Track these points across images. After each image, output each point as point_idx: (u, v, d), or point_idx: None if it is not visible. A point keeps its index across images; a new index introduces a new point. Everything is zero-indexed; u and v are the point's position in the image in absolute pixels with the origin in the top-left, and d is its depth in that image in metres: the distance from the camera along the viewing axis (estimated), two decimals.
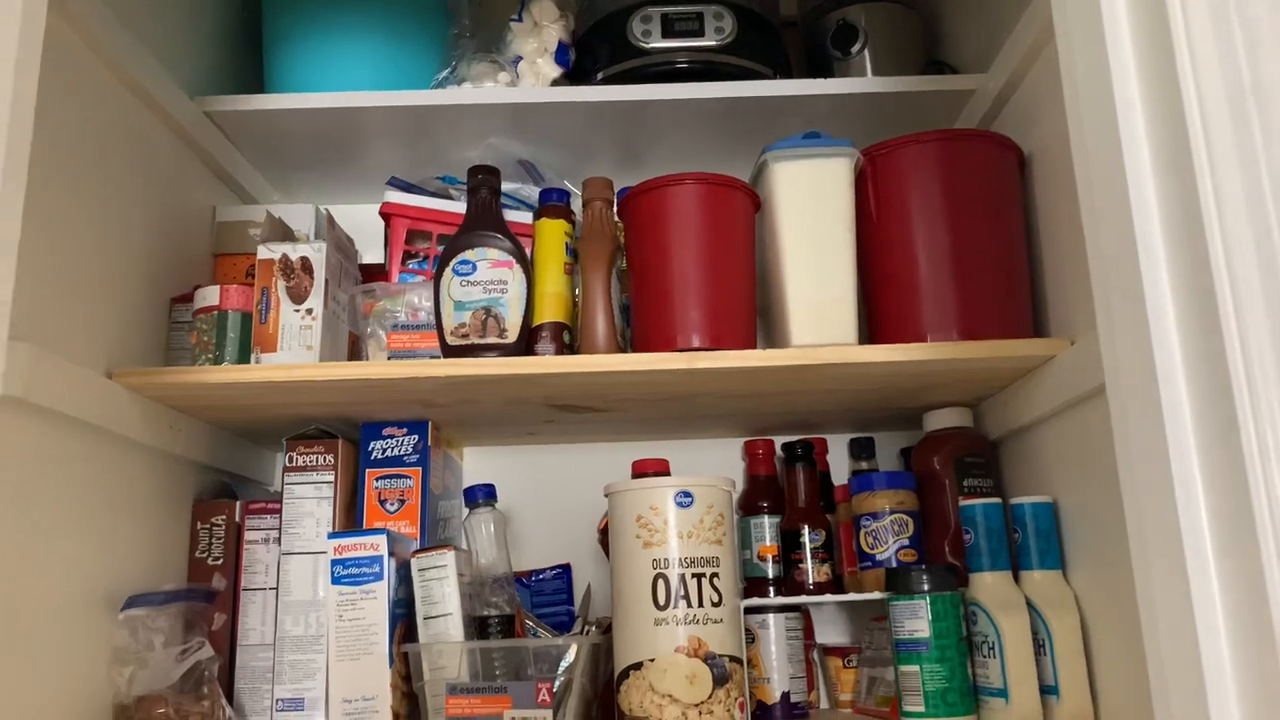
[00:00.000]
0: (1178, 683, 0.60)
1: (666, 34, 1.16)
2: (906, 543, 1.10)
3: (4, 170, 0.68)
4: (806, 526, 1.20)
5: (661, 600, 0.94)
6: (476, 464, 1.37)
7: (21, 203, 0.71)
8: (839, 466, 1.33)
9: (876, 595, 1.09)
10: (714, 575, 0.96)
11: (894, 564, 1.09)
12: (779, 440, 1.30)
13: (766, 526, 1.23)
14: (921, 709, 0.97)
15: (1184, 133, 0.60)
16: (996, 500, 1.03)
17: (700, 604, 0.94)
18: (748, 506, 1.25)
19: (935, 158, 1.03)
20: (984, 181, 1.03)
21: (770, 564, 1.21)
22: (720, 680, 0.93)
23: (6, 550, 0.79)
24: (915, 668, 0.98)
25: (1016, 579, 1.01)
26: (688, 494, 0.97)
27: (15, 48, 0.68)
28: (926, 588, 0.99)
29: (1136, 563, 0.66)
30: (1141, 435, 0.64)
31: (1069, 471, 1.00)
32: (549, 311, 1.05)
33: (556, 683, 0.96)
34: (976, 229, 1.02)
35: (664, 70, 1.18)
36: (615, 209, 1.10)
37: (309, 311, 1.02)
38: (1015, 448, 1.13)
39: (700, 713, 0.92)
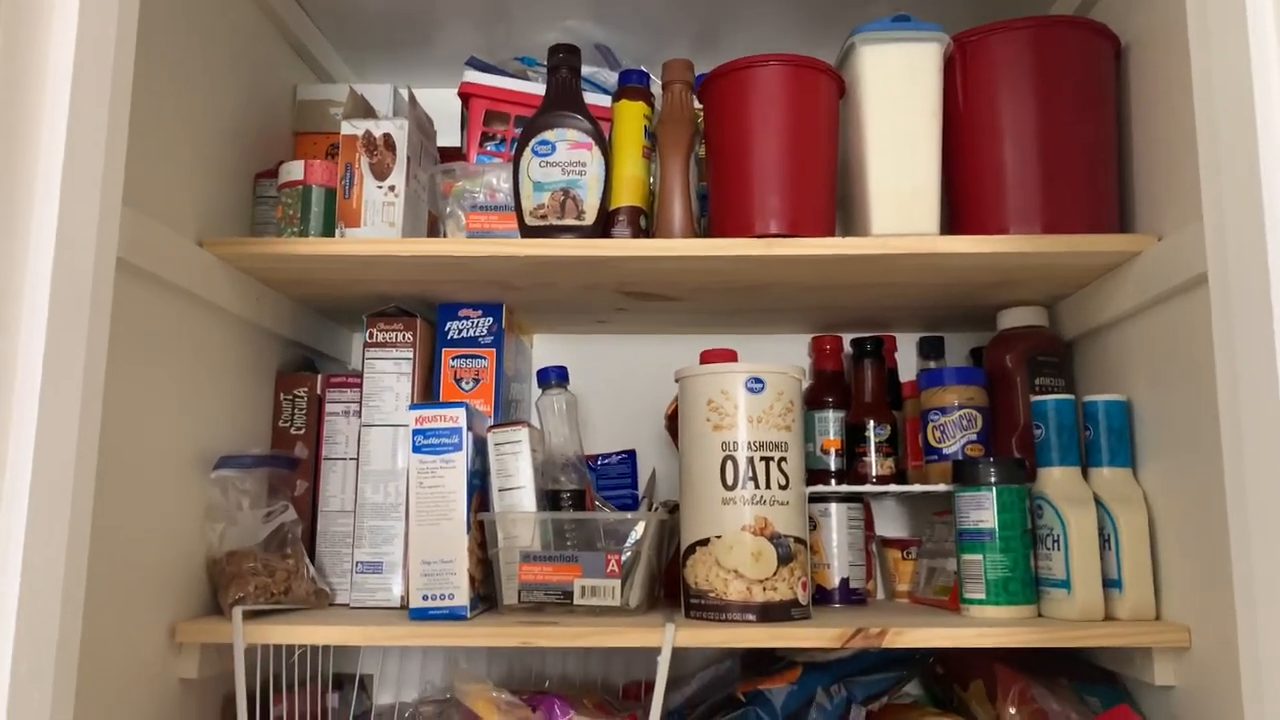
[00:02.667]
0: (1266, 585, 0.60)
1: None
2: (974, 438, 1.10)
3: (115, 50, 0.70)
4: (872, 421, 1.21)
5: (730, 481, 0.97)
6: (546, 351, 1.39)
7: (131, 72, 0.73)
8: (907, 366, 1.33)
9: (942, 487, 1.10)
10: (782, 459, 0.97)
11: (960, 458, 1.10)
12: (847, 337, 1.30)
13: (831, 420, 1.24)
14: (982, 596, 0.98)
15: None
16: (1069, 397, 1.03)
17: (768, 486, 0.96)
18: (813, 400, 1.26)
19: (1028, 45, 1.00)
20: (1077, 71, 1.00)
21: (833, 457, 1.22)
22: (785, 559, 0.96)
23: (114, 407, 0.83)
24: (978, 556, 0.99)
25: (1085, 476, 1.01)
26: (759, 380, 0.98)
27: None
28: (994, 479, 1.00)
29: (1229, 457, 0.66)
30: (1246, 324, 0.63)
31: (1145, 371, 0.99)
32: (626, 195, 1.06)
33: (625, 555, 0.99)
34: (1066, 120, 0.99)
35: None
36: (695, 93, 1.09)
37: (391, 188, 1.03)
38: (1090, 348, 1.12)
39: (764, 588, 0.95)
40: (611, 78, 1.20)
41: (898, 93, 0.99)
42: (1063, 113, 0.99)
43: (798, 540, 0.97)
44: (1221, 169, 0.66)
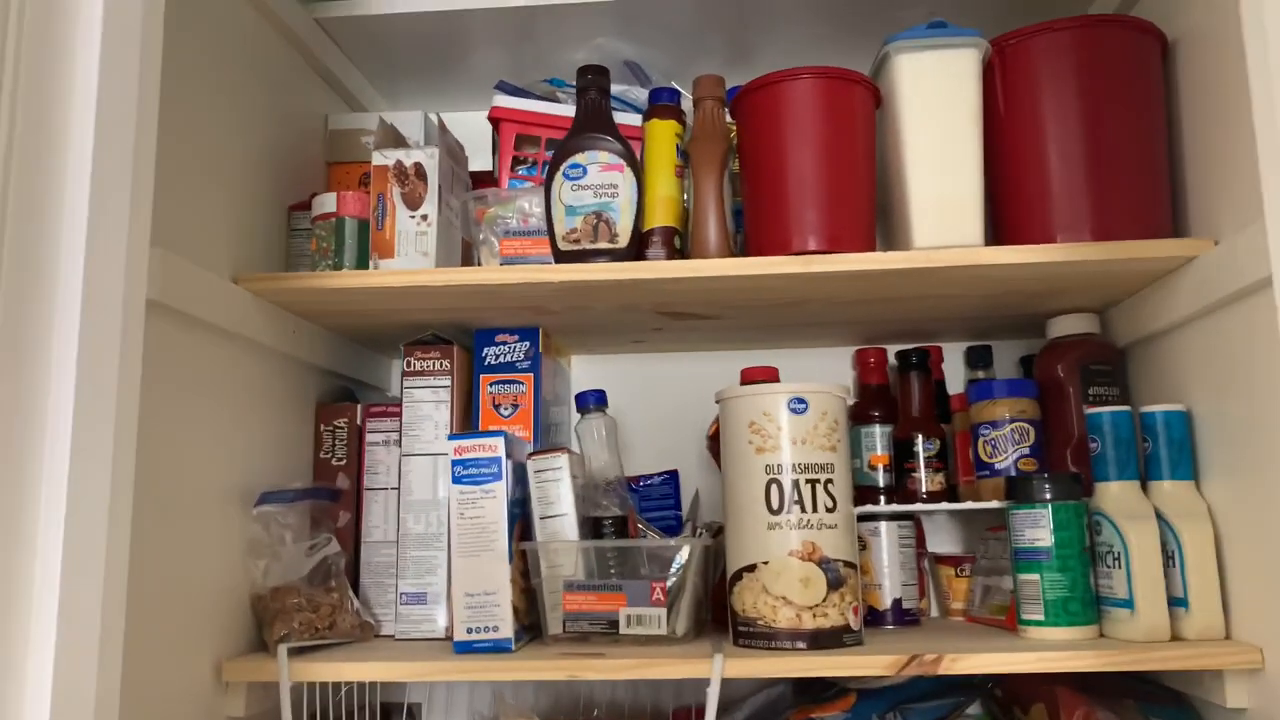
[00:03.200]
0: None
1: None
2: (1027, 452, 1.07)
3: (140, 91, 0.69)
4: (920, 435, 1.18)
5: (775, 505, 0.94)
6: (584, 372, 1.38)
7: (157, 106, 0.72)
8: (954, 376, 1.30)
9: (995, 504, 1.06)
10: (828, 481, 0.95)
11: (1014, 473, 1.07)
12: (891, 349, 1.27)
13: (878, 435, 1.21)
14: (1041, 618, 0.95)
15: None
16: (1126, 408, 0.99)
17: (814, 509, 0.94)
18: (858, 415, 1.23)
19: (1070, 47, 0.97)
20: (1122, 71, 0.97)
21: (881, 473, 1.19)
22: (835, 584, 0.93)
23: (153, 447, 0.83)
24: (1035, 576, 0.96)
25: (1144, 489, 0.97)
26: (801, 400, 0.96)
27: None
28: (1049, 496, 0.96)
29: None
30: None
31: (1205, 379, 0.95)
32: (660, 216, 1.04)
33: (670, 582, 0.97)
34: (1113, 122, 0.96)
35: None
36: (727, 108, 1.07)
37: (424, 217, 1.03)
38: (1144, 355, 1.08)
39: (815, 615, 0.92)
40: (642, 95, 1.18)
41: (936, 101, 0.97)
42: (1109, 114, 0.96)
43: (847, 564, 0.95)
44: None
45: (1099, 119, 0.96)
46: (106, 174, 0.66)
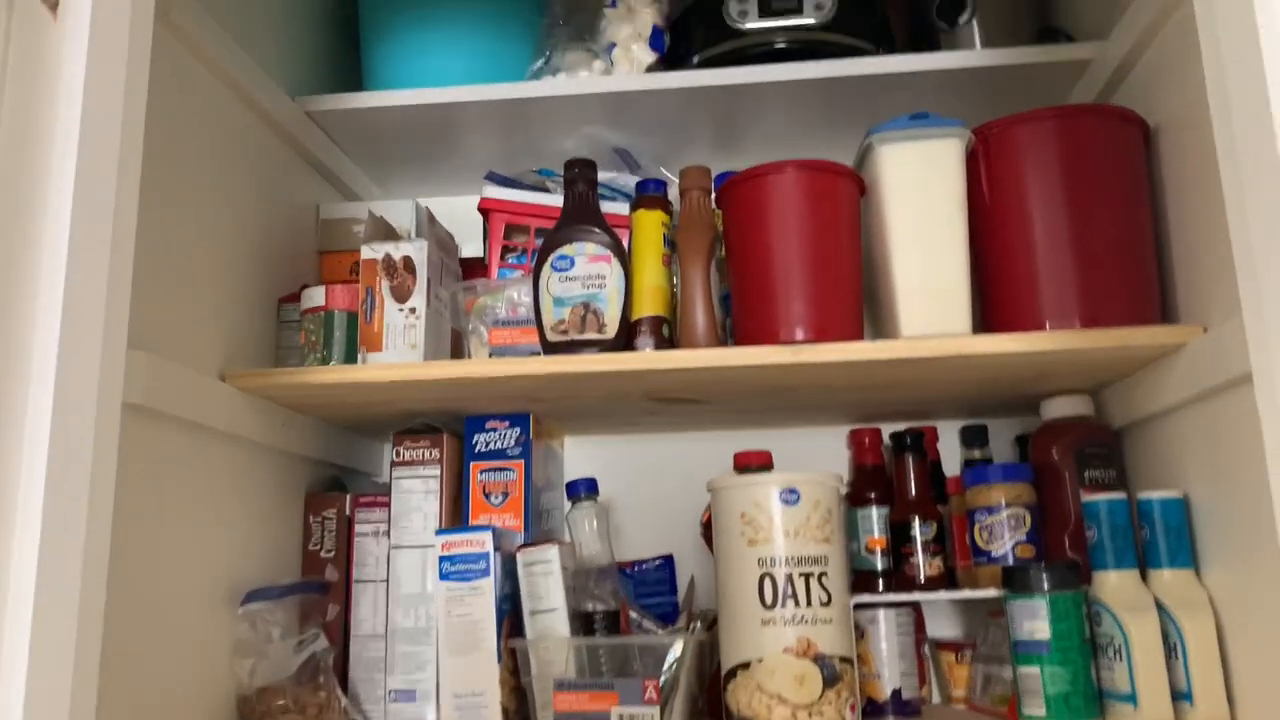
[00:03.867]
0: None
1: (764, 13, 1.13)
2: (1024, 538, 1.05)
3: (118, 185, 0.69)
4: (917, 518, 1.16)
5: (768, 600, 0.93)
6: (578, 454, 1.37)
7: (135, 214, 0.72)
8: (950, 454, 1.28)
9: (992, 593, 1.05)
10: (822, 574, 0.93)
11: (1011, 560, 1.05)
12: (886, 429, 1.26)
13: (875, 518, 1.19)
14: (1042, 713, 0.93)
15: None
16: (1122, 495, 0.98)
17: (809, 604, 0.92)
18: (854, 498, 1.22)
19: (1052, 135, 0.98)
20: (1106, 159, 0.97)
21: (879, 557, 1.17)
22: (831, 681, 0.91)
23: (134, 551, 0.82)
24: (1035, 669, 0.94)
25: (1144, 578, 0.96)
26: (794, 491, 0.95)
27: (125, 61, 0.69)
28: (1047, 587, 0.94)
29: None
30: None
31: (1202, 464, 0.94)
32: (648, 305, 1.04)
33: (663, 679, 0.95)
34: (1098, 209, 0.96)
35: (762, 51, 1.14)
36: (713, 197, 1.08)
37: (412, 310, 1.03)
38: (1140, 438, 1.07)
39: (810, 714, 0.90)
40: (631, 181, 1.20)
41: (919, 191, 0.97)
42: (1095, 202, 0.96)
43: (844, 660, 0.93)
44: (1257, 265, 0.63)
45: (1084, 206, 0.96)
46: (82, 278, 0.65)
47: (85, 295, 0.66)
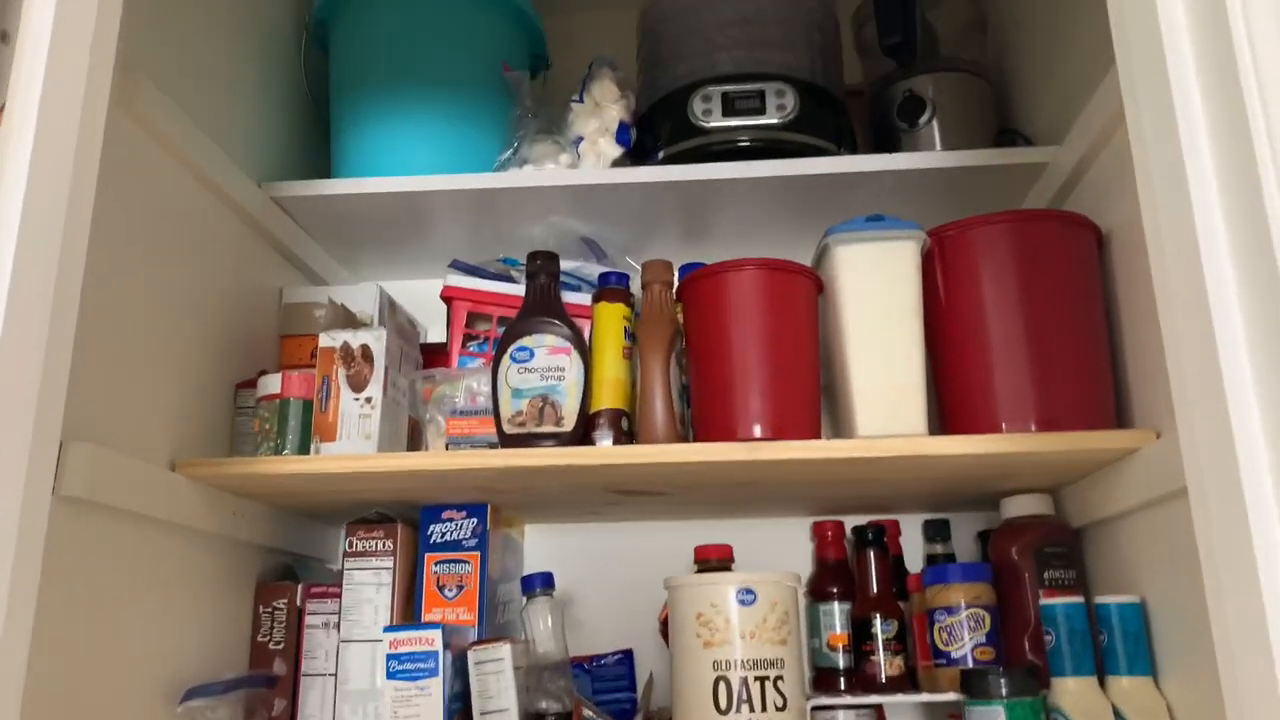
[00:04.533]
0: None
1: (727, 113, 1.15)
2: (983, 640, 1.04)
3: (58, 280, 0.68)
4: (878, 615, 1.15)
5: (723, 704, 0.91)
6: (537, 542, 1.35)
7: (76, 308, 0.71)
8: (913, 547, 1.27)
9: (952, 696, 1.03)
10: (778, 678, 0.92)
11: (970, 662, 1.04)
12: (849, 521, 1.26)
13: (837, 614, 1.18)
14: None
15: (1264, 221, 0.56)
16: (1079, 599, 0.97)
17: (764, 708, 0.91)
18: (817, 592, 1.21)
19: (1007, 238, 0.99)
20: (1060, 263, 0.99)
21: (841, 654, 1.16)
22: None
23: (70, 646, 0.80)
24: None
25: (1102, 684, 0.95)
26: (750, 591, 0.94)
27: (72, 156, 0.68)
28: (1005, 693, 0.93)
29: (1225, 680, 0.61)
30: (1227, 543, 0.59)
31: (1159, 569, 0.93)
32: (607, 398, 1.04)
33: None
34: (1053, 312, 0.97)
35: (726, 148, 1.16)
36: (675, 291, 1.08)
37: (368, 400, 1.02)
38: (1100, 539, 1.07)
39: None
40: (595, 272, 1.20)
41: (875, 292, 0.98)
42: (1049, 305, 0.97)
43: None
44: (1186, 382, 0.63)
45: (1039, 309, 0.97)
46: (12, 369, 0.64)
47: (15, 387, 0.64)
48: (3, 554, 0.63)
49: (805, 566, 1.28)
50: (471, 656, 0.99)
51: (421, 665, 0.95)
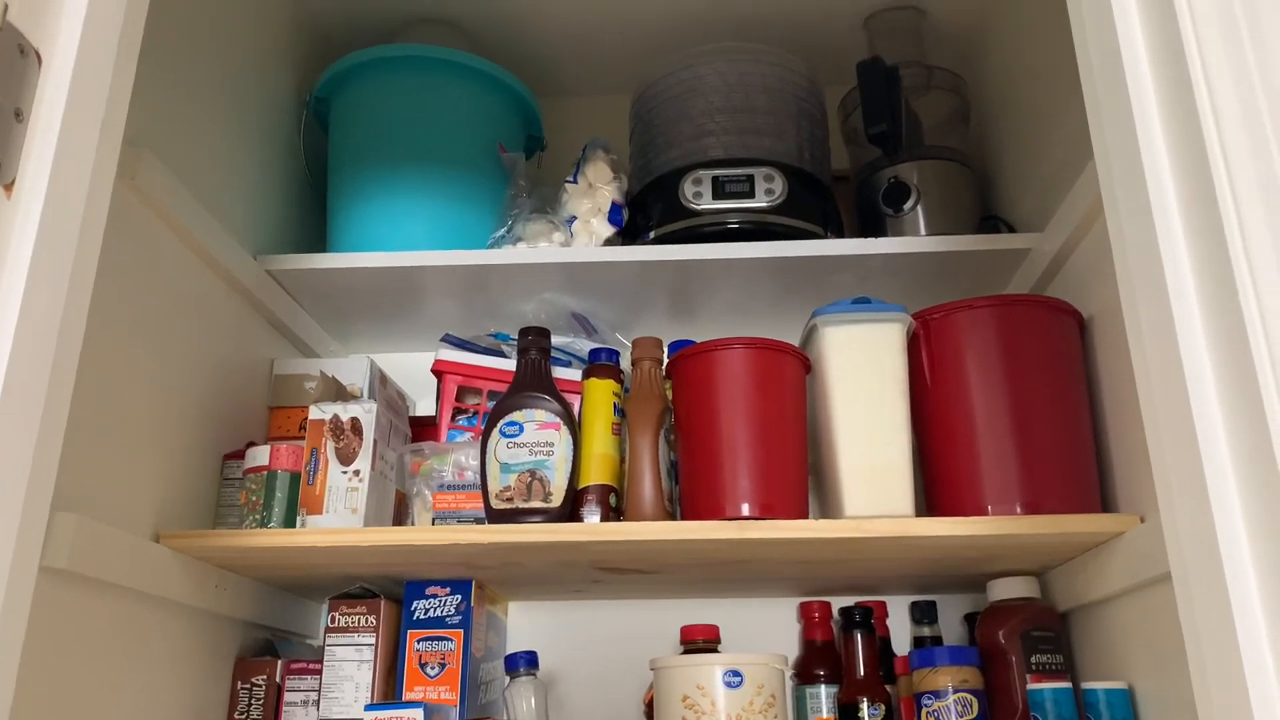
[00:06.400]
0: None
1: (717, 195, 1.18)
2: None
3: (57, 350, 0.68)
4: (865, 700, 1.13)
5: None
6: (522, 620, 1.33)
7: (72, 381, 0.71)
8: (900, 629, 1.27)
9: None
10: None
11: None
12: (836, 603, 1.25)
13: (824, 697, 1.17)
14: None
15: (1240, 315, 0.58)
16: (1067, 685, 0.97)
17: None
18: (804, 674, 1.20)
19: (990, 323, 1.01)
20: (1043, 347, 1.00)
21: None
22: None
23: (45, 718, 0.78)
24: None
25: None
26: (737, 673, 0.93)
27: (77, 235, 0.69)
28: None
29: None
30: (1210, 633, 0.59)
31: (1146, 654, 0.93)
32: (595, 474, 1.04)
33: None
34: (1037, 396, 0.99)
35: (715, 230, 1.19)
36: (664, 368, 1.09)
37: (356, 473, 1.02)
38: (1086, 623, 1.07)
39: None
40: (586, 347, 1.21)
41: (862, 373, 0.99)
42: (1033, 388, 0.99)
43: None
44: (1167, 470, 0.64)
45: (1023, 393, 0.99)
46: (7, 441, 0.64)
47: (9, 456, 0.64)
48: None
49: (792, 647, 1.27)
50: None
51: None
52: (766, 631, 1.30)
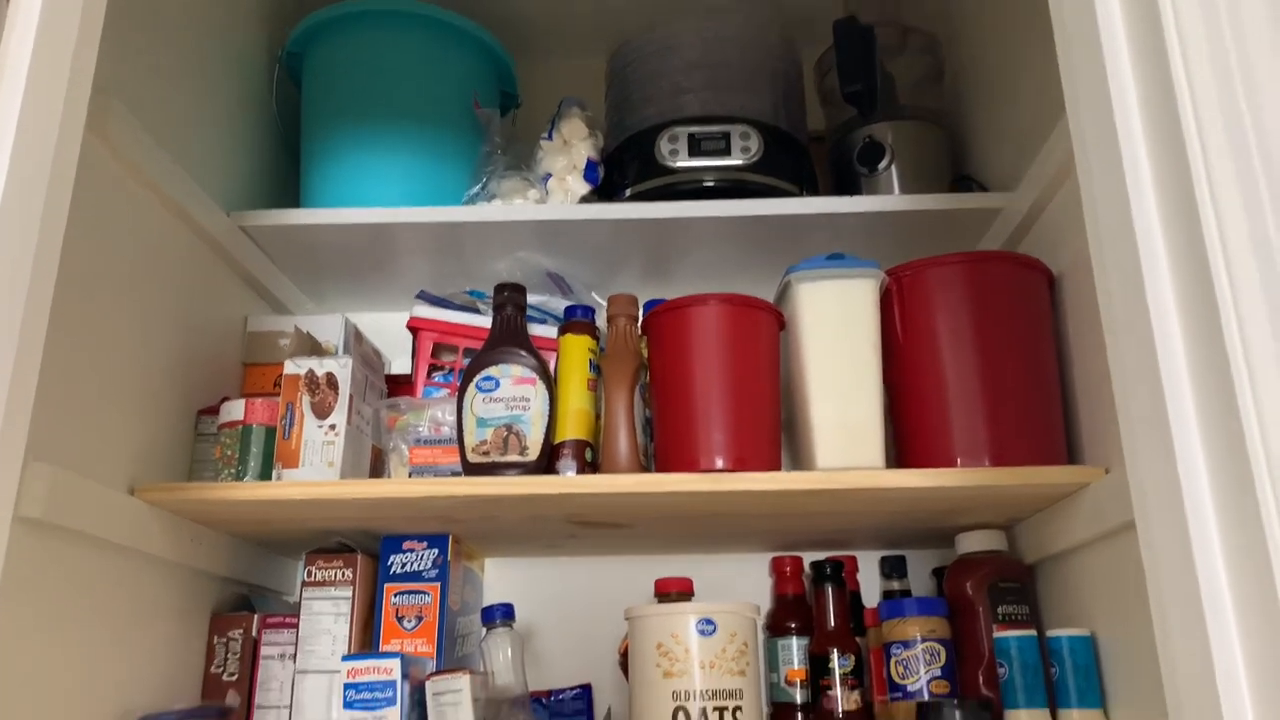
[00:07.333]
0: None
1: (693, 153, 1.18)
2: (939, 673, 1.06)
3: (27, 300, 0.68)
4: (835, 650, 1.15)
5: None
6: (498, 576, 1.35)
7: (45, 327, 0.71)
8: (870, 584, 1.29)
9: None
10: (737, 709, 0.92)
11: (926, 696, 1.05)
12: (807, 557, 1.27)
13: (795, 648, 1.19)
14: None
15: (1206, 268, 0.59)
16: (1031, 633, 0.99)
17: None
18: (775, 627, 1.22)
19: (962, 279, 1.02)
20: (1012, 303, 1.02)
21: (799, 689, 1.16)
22: None
23: (20, 669, 0.78)
24: None
25: (1054, 716, 0.96)
26: (710, 621, 0.95)
27: (48, 175, 0.69)
28: None
29: (1172, 713, 0.63)
30: (1172, 578, 0.61)
31: (1109, 603, 0.96)
32: (571, 429, 1.05)
33: None
34: (1006, 351, 1.00)
35: (691, 188, 1.19)
36: (639, 325, 1.10)
37: (332, 427, 1.02)
38: (1052, 574, 1.09)
39: None
40: (561, 306, 1.21)
41: (835, 328, 1.00)
42: (1002, 343, 1.00)
43: None
44: (1134, 427, 0.66)
45: (992, 347, 1.00)
46: None
47: None
48: None
49: (764, 602, 1.29)
50: (430, 687, 0.99)
51: (379, 695, 0.94)
52: (739, 586, 1.32)
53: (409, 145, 1.25)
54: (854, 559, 1.27)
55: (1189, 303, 0.61)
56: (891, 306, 1.04)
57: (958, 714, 0.95)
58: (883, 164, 1.26)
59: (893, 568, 1.26)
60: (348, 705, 0.94)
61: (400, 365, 1.34)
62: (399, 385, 1.21)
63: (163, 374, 1.04)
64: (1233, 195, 0.60)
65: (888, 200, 1.19)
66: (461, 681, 0.98)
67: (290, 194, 1.35)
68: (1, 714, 0.77)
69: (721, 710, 0.92)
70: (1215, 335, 0.58)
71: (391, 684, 0.94)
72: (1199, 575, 0.59)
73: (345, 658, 0.97)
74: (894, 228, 1.20)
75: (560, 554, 1.34)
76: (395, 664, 0.95)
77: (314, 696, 1.05)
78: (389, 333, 1.35)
